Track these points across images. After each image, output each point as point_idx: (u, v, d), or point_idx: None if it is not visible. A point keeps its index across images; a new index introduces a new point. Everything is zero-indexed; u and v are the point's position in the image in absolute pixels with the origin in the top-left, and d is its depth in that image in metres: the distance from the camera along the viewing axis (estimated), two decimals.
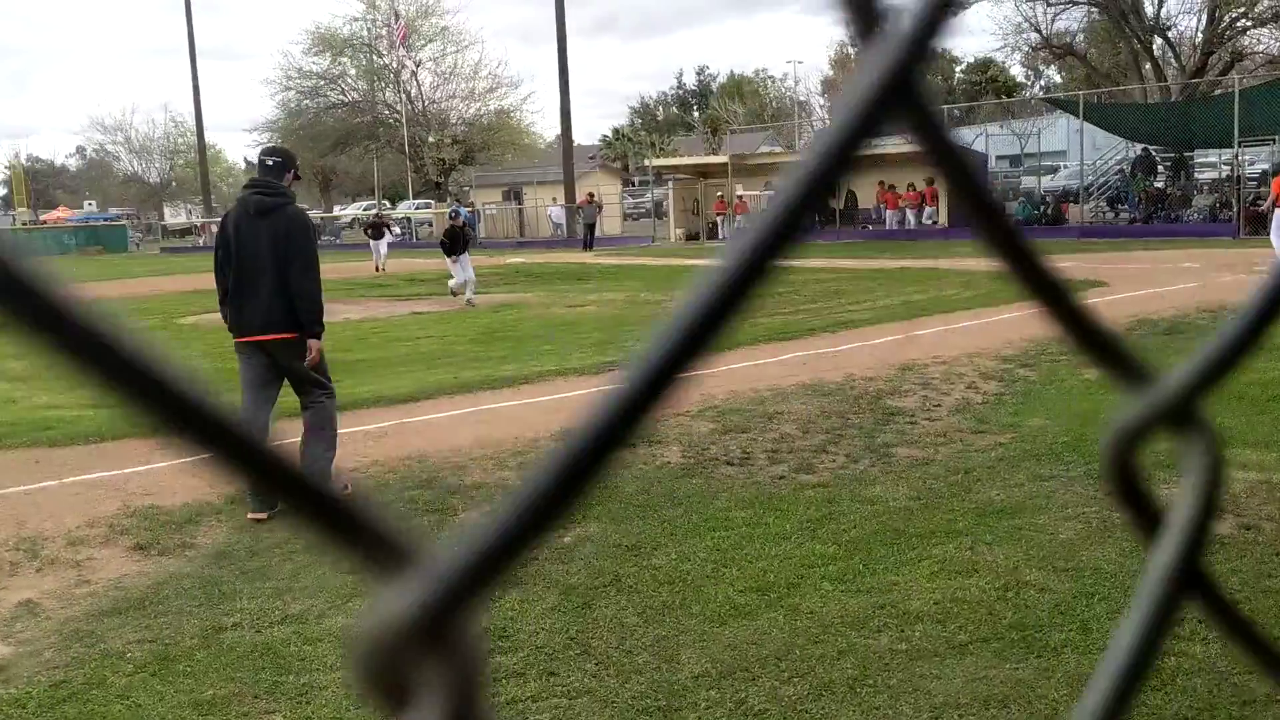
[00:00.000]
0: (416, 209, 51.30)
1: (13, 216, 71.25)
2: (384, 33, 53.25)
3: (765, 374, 9.68)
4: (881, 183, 34.07)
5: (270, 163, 6.14)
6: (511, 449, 7.11)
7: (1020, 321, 12.70)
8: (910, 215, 33.46)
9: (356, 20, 54.85)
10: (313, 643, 4.10)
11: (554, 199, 43.82)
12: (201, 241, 54.50)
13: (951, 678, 3.66)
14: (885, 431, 7.19)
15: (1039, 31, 41.85)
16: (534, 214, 47.77)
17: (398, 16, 52.62)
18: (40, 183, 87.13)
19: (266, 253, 5.84)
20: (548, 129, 71.31)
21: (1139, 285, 15.70)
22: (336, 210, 63.80)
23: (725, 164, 37.73)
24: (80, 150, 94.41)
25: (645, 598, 4.40)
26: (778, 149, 52.01)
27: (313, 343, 5.94)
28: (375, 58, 55.77)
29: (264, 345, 5.93)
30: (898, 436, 7.04)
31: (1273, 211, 16.50)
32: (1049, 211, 32.17)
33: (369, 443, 7.62)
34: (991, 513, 5.35)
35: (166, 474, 6.97)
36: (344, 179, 65.84)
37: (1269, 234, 16.80)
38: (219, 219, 6.83)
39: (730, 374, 9.88)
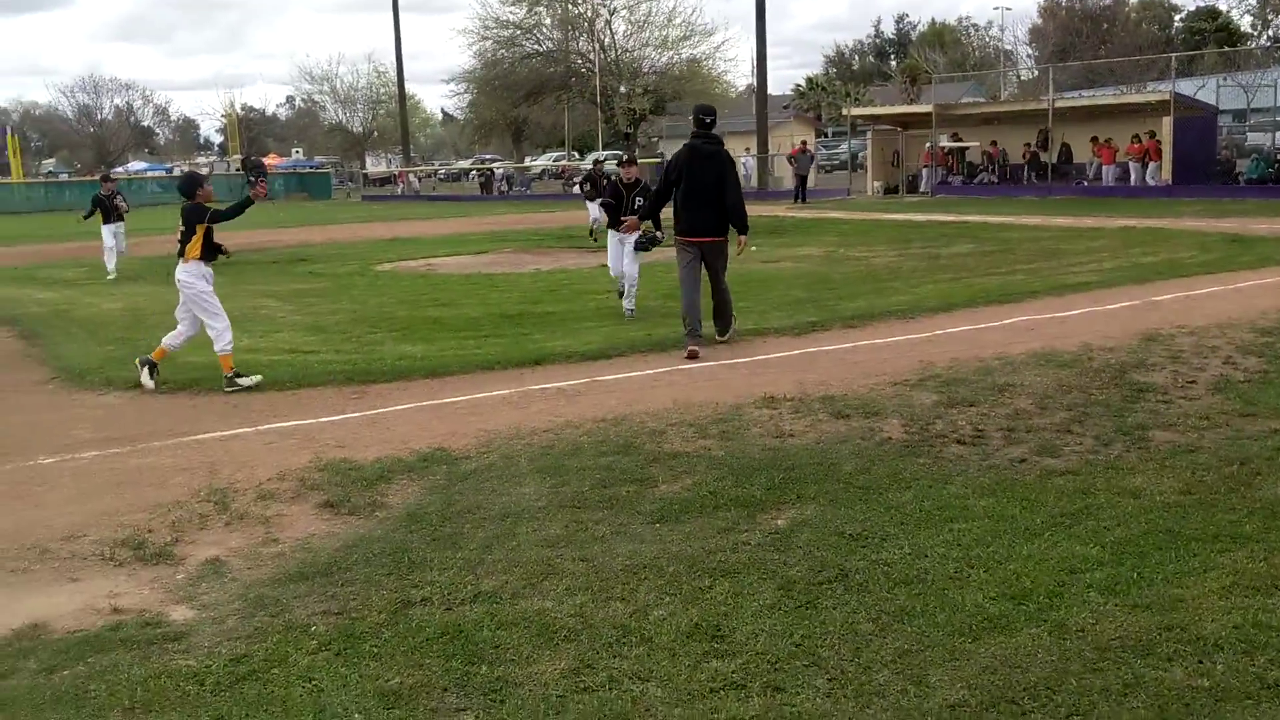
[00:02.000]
0: (606, 159, 51.21)
1: (228, 163, 74.97)
2: None
3: (988, 339, 8.85)
4: (1095, 138, 31.76)
5: (707, 120, 8.98)
6: (712, 415, 6.59)
7: (1273, 289, 11.37)
8: (1134, 169, 30.99)
9: None
10: (506, 627, 3.69)
11: (746, 149, 42.81)
12: (400, 190, 55.90)
13: None
14: (1136, 411, 6.33)
15: None
16: None
17: None
18: (253, 130, 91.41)
19: (711, 181, 8.80)
20: (739, 78, 69.78)
21: None
22: (527, 161, 64.41)
23: (929, 114, 35.96)
24: (289, 100, 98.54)
25: (878, 599, 3.81)
26: (981, 99, 49.53)
27: (743, 238, 9.16)
28: (570, 6, 55.75)
29: (701, 245, 8.95)
30: (1152, 417, 6.18)
31: None
32: None
33: (562, 400, 7.24)
34: None
35: (359, 425, 6.77)
36: (535, 130, 66.29)
37: None
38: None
39: (950, 338, 9.09)
